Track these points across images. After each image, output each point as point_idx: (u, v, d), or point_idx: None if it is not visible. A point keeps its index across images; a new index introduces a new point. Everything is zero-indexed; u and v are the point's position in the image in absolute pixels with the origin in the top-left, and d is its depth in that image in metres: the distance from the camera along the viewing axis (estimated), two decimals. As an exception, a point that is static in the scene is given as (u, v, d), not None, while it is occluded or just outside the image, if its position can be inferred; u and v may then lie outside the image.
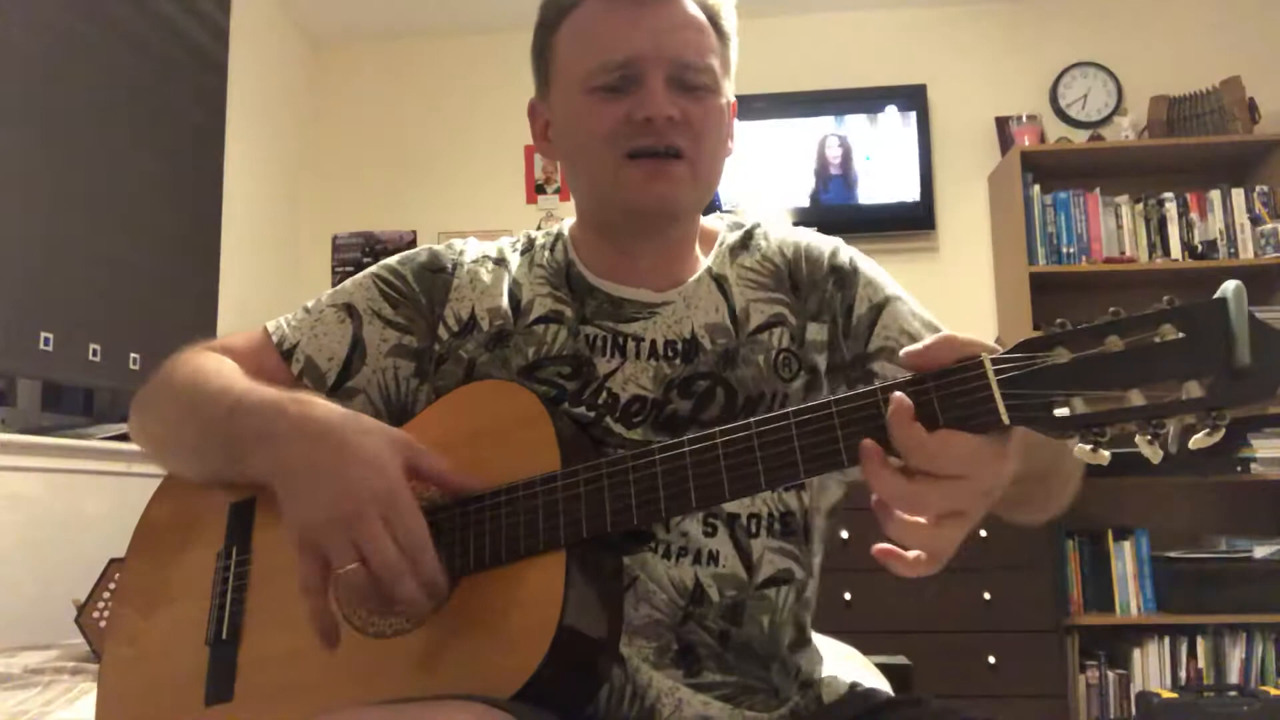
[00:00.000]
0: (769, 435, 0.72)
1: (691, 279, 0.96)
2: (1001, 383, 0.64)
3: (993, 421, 0.64)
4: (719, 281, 0.97)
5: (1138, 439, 0.62)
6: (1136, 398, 0.61)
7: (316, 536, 0.76)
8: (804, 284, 0.97)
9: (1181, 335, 0.60)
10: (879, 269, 1.00)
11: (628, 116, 0.89)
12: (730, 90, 0.96)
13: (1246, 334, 0.58)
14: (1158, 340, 0.60)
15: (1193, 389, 0.60)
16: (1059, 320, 0.64)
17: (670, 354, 0.92)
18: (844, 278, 0.97)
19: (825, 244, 1.00)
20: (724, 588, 0.86)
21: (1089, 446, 0.62)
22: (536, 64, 0.99)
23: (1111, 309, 0.63)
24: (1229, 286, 0.60)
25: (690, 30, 0.92)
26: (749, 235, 1.01)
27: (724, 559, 0.86)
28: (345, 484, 0.76)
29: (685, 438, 0.76)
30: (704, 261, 0.98)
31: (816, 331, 0.95)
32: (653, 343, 0.93)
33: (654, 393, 0.90)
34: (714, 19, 0.94)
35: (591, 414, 0.90)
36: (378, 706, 0.71)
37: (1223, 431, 0.59)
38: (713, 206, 2.44)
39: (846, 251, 1.00)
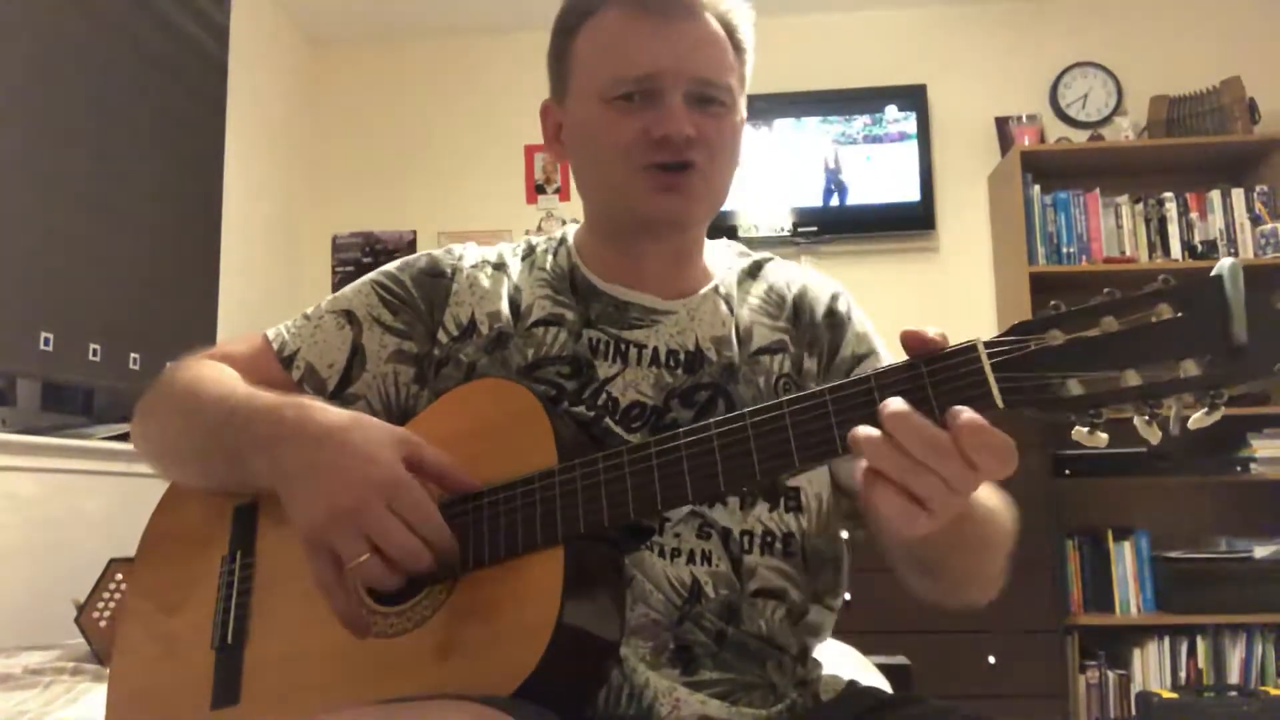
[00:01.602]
0: (763, 425, 0.73)
1: (699, 293, 0.98)
2: (995, 366, 0.65)
3: (986, 405, 0.64)
4: (726, 300, 0.98)
5: (1135, 420, 0.62)
6: (1133, 378, 0.61)
7: (323, 534, 0.76)
8: (804, 319, 0.99)
9: (1177, 314, 0.60)
10: (870, 325, 1.03)
11: (645, 131, 0.89)
12: (744, 107, 0.97)
13: (1243, 311, 0.58)
14: (1154, 320, 0.61)
15: (1190, 368, 0.60)
16: (1053, 302, 0.65)
17: (672, 363, 0.93)
18: (837, 323, 1.00)
19: (827, 286, 1.03)
20: (718, 585, 0.86)
21: (1086, 428, 0.62)
22: (554, 68, 0.99)
23: (1106, 289, 0.63)
24: (1225, 264, 0.60)
25: (712, 48, 0.92)
26: (758, 265, 1.04)
27: (716, 559, 0.87)
28: (344, 478, 0.76)
29: (681, 429, 0.76)
30: (713, 279, 1.00)
31: (810, 364, 0.97)
32: (655, 350, 0.93)
33: (654, 400, 0.91)
34: (732, 33, 0.95)
35: (591, 414, 0.90)
36: (375, 706, 0.70)
37: (1221, 410, 0.59)
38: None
39: (846, 299, 1.03)
